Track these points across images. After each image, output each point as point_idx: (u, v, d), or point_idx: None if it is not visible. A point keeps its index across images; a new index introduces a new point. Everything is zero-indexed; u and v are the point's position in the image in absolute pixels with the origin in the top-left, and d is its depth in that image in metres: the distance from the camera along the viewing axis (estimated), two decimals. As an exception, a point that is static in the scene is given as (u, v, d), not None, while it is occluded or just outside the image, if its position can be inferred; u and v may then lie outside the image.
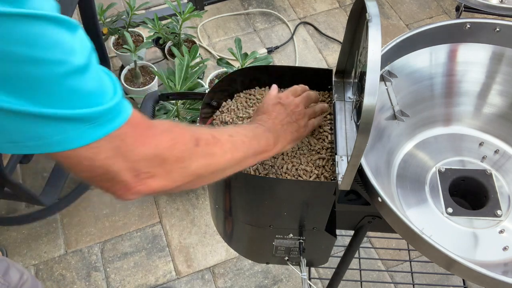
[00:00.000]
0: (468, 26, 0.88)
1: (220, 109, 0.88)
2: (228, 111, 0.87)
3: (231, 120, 0.85)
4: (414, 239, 0.68)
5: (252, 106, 0.87)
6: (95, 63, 0.50)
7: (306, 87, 0.85)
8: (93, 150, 0.50)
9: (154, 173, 0.55)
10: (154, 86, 1.86)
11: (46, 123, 0.46)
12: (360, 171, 0.74)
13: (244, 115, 0.85)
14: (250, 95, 0.89)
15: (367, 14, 0.64)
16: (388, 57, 0.87)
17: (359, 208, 0.86)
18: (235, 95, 0.89)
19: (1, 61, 0.42)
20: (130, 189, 0.54)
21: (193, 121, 1.46)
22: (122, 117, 0.51)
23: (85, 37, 0.50)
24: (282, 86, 0.88)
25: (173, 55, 1.78)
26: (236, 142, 0.67)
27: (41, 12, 0.44)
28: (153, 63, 1.94)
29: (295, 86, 0.84)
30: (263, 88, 0.90)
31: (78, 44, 0.48)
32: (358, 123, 0.69)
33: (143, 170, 0.53)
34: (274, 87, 0.83)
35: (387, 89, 0.89)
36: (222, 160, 0.64)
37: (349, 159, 0.73)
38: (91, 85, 0.49)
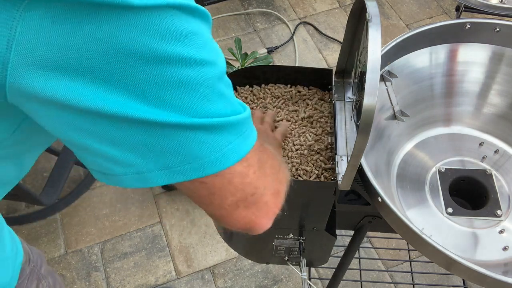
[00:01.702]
0: (468, 26, 0.88)
1: None
2: None
3: None
4: (414, 239, 0.68)
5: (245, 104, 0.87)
6: None
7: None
8: (245, 163, 0.43)
9: (280, 192, 0.49)
10: (154, 86, 1.86)
11: (203, 137, 0.39)
12: (360, 171, 0.74)
13: None
14: (245, 92, 0.89)
15: (367, 14, 0.64)
16: (388, 57, 0.87)
17: (359, 208, 0.86)
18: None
19: (147, 64, 0.35)
20: (271, 211, 0.47)
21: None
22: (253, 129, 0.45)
23: None
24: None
25: (173, 55, 1.78)
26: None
27: (185, 2, 0.37)
28: (153, 63, 1.94)
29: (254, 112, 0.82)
30: (262, 86, 0.90)
31: (214, 41, 0.41)
32: (358, 123, 0.69)
33: (276, 189, 0.48)
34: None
35: (387, 89, 0.89)
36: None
37: (349, 159, 0.73)
38: (231, 89, 0.43)
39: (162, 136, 0.38)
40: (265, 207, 0.46)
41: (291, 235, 0.87)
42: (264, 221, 0.47)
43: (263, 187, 0.45)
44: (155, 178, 0.40)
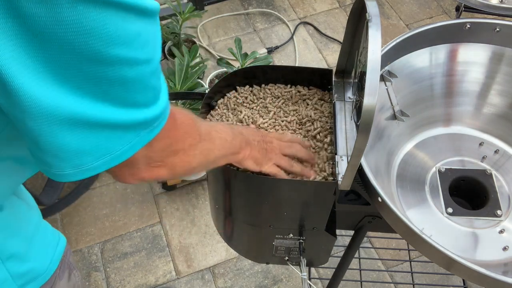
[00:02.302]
0: (468, 26, 0.88)
1: (215, 108, 0.87)
2: (222, 108, 0.87)
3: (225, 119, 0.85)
4: (414, 239, 0.68)
5: (246, 104, 0.87)
6: None
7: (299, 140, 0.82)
8: (150, 148, 0.48)
9: (163, 164, 0.54)
10: (154, 86, 1.85)
11: (120, 134, 0.43)
12: (360, 171, 0.74)
13: (238, 114, 0.85)
14: (244, 92, 0.89)
15: (367, 14, 0.64)
16: (388, 57, 0.87)
17: (359, 208, 0.86)
18: (227, 94, 0.88)
19: (88, 62, 0.37)
20: (138, 175, 0.52)
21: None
22: (167, 114, 0.49)
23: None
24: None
25: (173, 55, 1.78)
26: (222, 140, 0.67)
27: (133, 2, 0.38)
28: (153, 63, 1.94)
29: (287, 136, 0.81)
30: (262, 86, 0.90)
31: (158, 32, 0.44)
32: (358, 123, 0.69)
33: (155, 160, 0.52)
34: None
35: (387, 89, 0.89)
36: (212, 157, 0.65)
37: (349, 159, 0.73)
38: (159, 78, 0.47)
39: (83, 135, 0.41)
40: (134, 170, 0.51)
41: (291, 235, 0.87)
42: (128, 179, 0.52)
43: (139, 156, 0.48)
44: (69, 176, 0.44)
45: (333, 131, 0.81)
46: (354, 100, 0.80)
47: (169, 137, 0.52)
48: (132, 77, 0.41)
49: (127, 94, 0.42)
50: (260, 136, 0.76)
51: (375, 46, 0.61)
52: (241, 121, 0.84)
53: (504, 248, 0.79)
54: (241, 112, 0.85)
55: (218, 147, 0.66)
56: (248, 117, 0.85)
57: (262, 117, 0.85)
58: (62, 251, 0.77)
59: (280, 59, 2.11)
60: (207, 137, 0.63)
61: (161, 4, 2.23)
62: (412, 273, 1.44)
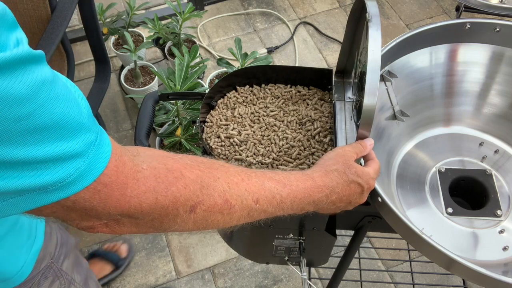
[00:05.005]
0: (468, 26, 0.88)
1: (214, 108, 0.87)
2: (222, 108, 0.87)
3: (224, 119, 0.85)
4: (414, 239, 0.68)
5: (245, 103, 0.87)
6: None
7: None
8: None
9: (124, 224, 0.48)
10: (154, 86, 1.86)
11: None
12: (360, 171, 0.73)
13: (238, 115, 0.85)
14: (244, 92, 0.89)
15: (367, 14, 0.64)
16: (388, 57, 0.87)
17: (359, 208, 0.86)
18: (227, 94, 0.88)
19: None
20: (93, 230, 0.47)
21: (193, 122, 1.46)
22: (106, 155, 0.43)
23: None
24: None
25: (173, 55, 1.78)
26: (253, 212, 0.57)
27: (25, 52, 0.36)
28: (153, 63, 1.94)
29: (378, 166, 0.71)
30: (262, 86, 0.90)
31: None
32: (358, 123, 0.69)
33: (115, 219, 0.47)
34: (370, 153, 0.70)
35: (387, 89, 0.89)
36: (219, 226, 0.55)
37: (349, 159, 0.73)
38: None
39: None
40: (89, 226, 0.47)
41: (291, 235, 0.87)
42: (85, 229, 0.48)
43: (96, 215, 0.44)
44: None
45: (333, 131, 0.81)
46: (354, 100, 0.80)
47: (124, 204, 0.45)
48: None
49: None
50: (352, 199, 0.66)
51: (375, 46, 0.62)
52: (240, 116, 0.84)
53: (504, 248, 0.79)
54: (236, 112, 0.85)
55: (239, 218, 0.56)
56: (241, 118, 0.84)
57: (262, 117, 0.85)
58: (37, 254, 0.71)
59: (280, 59, 2.11)
60: (219, 208, 0.53)
61: (161, 4, 2.23)
62: (412, 273, 1.44)
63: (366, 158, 0.70)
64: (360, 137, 0.69)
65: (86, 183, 0.41)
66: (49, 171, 0.39)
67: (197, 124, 0.81)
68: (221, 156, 0.80)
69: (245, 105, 0.87)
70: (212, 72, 1.83)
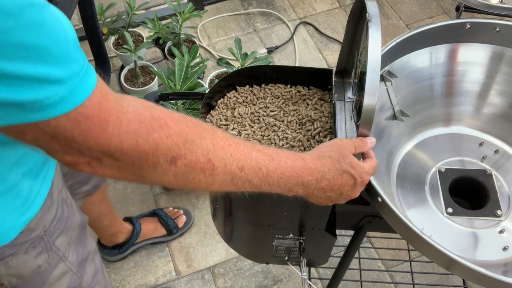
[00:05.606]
0: (468, 26, 0.88)
1: (214, 108, 0.87)
2: (222, 108, 0.87)
3: (224, 120, 0.85)
4: (414, 239, 0.68)
5: (245, 103, 0.87)
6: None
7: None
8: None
9: (107, 165, 0.49)
10: (154, 86, 1.86)
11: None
12: (360, 171, 0.73)
13: (238, 115, 0.85)
14: (244, 92, 0.89)
15: (367, 14, 0.64)
16: (388, 57, 0.87)
17: (359, 208, 0.86)
18: (227, 94, 0.88)
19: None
20: (76, 166, 0.49)
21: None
22: (90, 85, 0.45)
23: None
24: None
25: (173, 55, 1.78)
26: (237, 179, 0.56)
27: None
28: (153, 63, 1.94)
29: (375, 164, 0.69)
30: (262, 86, 0.90)
31: None
32: (358, 123, 0.70)
33: (97, 157, 0.48)
34: (370, 152, 0.69)
35: (387, 89, 0.89)
36: (200, 186, 0.54)
37: (349, 159, 0.73)
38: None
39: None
40: (70, 160, 0.49)
41: (291, 235, 0.87)
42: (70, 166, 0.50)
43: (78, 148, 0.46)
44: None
45: (333, 131, 0.81)
46: (354, 100, 0.80)
47: (105, 141, 0.46)
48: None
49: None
50: (343, 191, 0.66)
51: (375, 46, 0.62)
52: (241, 116, 0.84)
53: (504, 248, 0.79)
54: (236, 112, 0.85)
55: (221, 182, 0.55)
56: (241, 118, 0.84)
57: (262, 117, 0.85)
58: (27, 222, 0.70)
59: (280, 59, 2.11)
60: (200, 166, 0.53)
61: (161, 4, 2.23)
62: (412, 273, 1.44)
63: (365, 156, 0.70)
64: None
65: (65, 109, 0.43)
66: (27, 90, 0.41)
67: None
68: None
69: (245, 105, 0.87)
70: (212, 72, 1.83)
